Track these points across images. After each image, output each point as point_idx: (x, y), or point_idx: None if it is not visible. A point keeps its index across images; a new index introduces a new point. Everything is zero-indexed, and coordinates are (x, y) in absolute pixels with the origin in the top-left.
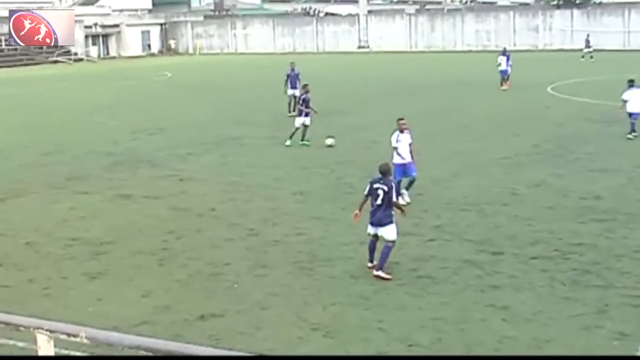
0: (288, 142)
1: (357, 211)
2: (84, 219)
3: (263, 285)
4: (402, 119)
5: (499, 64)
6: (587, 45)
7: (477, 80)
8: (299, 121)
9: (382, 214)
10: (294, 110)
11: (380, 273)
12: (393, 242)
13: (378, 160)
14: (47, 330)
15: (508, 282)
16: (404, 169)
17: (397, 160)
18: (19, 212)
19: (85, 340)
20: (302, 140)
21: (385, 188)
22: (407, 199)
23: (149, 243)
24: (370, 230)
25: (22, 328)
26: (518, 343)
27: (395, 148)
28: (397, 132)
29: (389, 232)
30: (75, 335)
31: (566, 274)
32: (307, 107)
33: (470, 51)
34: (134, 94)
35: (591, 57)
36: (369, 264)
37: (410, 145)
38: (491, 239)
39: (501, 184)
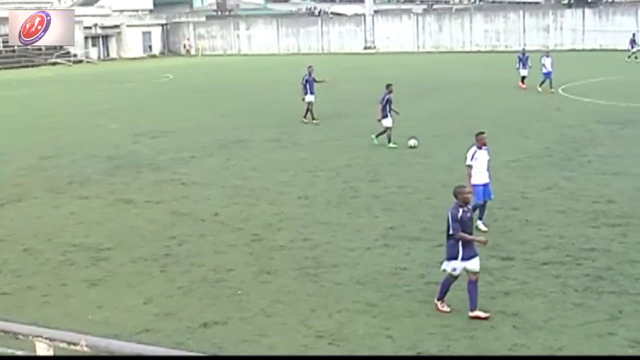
0: (375, 141)
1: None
2: (85, 224)
3: (267, 292)
4: (482, 132)
5: (543, 66)
6: (633, 45)
7: (486, 81)
8: (387, 122)
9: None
10: (314, 119)
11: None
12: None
13: (386, 164)
14: (46, 338)
15: (519, 289)
16: (484, 189)
17: (476, 180)
18: (18, 217)
19: (85, 349)
20: (389, 142)
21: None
22: (484, 227)
23: (151, 249)
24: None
25: (21, 336)
26: (529, 350)
27: (470, 167)
28: (475, 148)
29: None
30: (75, 344)
31: (578, 280)
32: (390, 108)
33: (479, 51)
34: (135, 97)
35: (636, 57)
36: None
37: (488, 162)
38: (501, 244)
39: (511, 187)
